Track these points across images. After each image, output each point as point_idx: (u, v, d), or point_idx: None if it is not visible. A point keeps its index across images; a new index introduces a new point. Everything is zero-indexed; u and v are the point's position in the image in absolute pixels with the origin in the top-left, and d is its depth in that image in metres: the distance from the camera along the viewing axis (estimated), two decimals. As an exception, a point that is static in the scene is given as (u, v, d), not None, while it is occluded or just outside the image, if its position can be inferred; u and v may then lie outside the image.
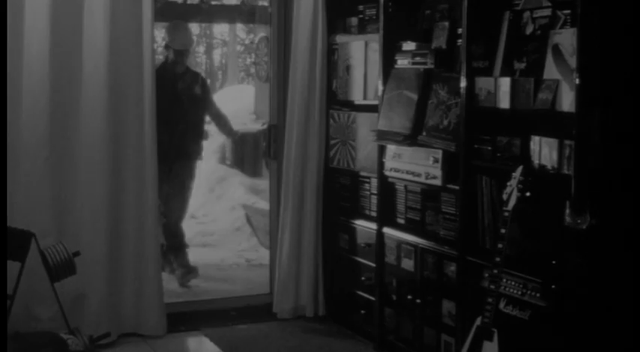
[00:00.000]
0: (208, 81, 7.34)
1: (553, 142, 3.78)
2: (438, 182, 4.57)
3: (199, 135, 6.91)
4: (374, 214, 5.21)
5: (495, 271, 3.89)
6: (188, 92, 6.74)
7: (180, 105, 6.66)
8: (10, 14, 4.76)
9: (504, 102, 4.06)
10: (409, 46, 4.85)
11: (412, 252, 4.82)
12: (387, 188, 5.06)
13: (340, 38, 5.57)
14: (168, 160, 6.35)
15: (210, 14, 8.68)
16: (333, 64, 5.61)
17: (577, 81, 3.61)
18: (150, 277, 5.25)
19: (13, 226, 4.50)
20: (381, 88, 5.02)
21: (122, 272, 5.20)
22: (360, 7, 5.41)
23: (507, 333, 3.90)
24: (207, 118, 7.14)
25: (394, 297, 5.01)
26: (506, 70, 4.12)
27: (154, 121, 5.21)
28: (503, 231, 3.89)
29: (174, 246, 6.84)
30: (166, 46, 6.81)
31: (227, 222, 9.00)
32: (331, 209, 5.68)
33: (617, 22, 3.64)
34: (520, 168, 3.90)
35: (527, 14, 4.03)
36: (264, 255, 7.22)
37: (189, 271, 6.81)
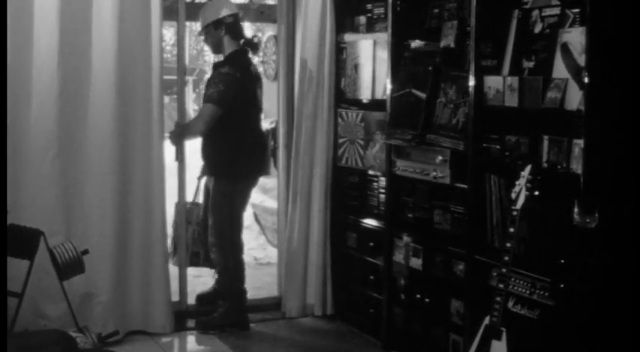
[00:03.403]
0: (264, 78, 5.91)
1: (562, 141, 3.77)
2: (446, 181, 4.57)
3: (209, 148, 5.41)
4: (382, 213, 5.21)
5: (504, 270, 3.88)
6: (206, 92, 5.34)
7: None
8: (19, 14, 4.78)
9: (513, 101, 4.05)
10: (417, 44, 4.84)
11: (420, 250, 4.81)
12: (395, 187, 5.05)
13: (348, 37, 5.56)
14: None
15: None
16: (341, 63, 5.61)
17: (586, 80, 3.60)
18: (158, 275, 5.26)
19: (22, 225, 4.51)
20: (389, 86, 5.02)
21: (130, 270, 5.22)
22: (369, 6, 5.41)
23: (516, 332, 3.89)
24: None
25: (402, 296, 5.01)
26: (515, 69, 4.11)
27: (162, 120, 5.21)
28: (511, 230, 3.88)
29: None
30: None
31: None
32: (339, 208, 5.68)
33: (626, 20, 3.63)
34: (529, 167, 3.89)
35: (535, 13, 4.02)
36: (272, 253, 7.22)
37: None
